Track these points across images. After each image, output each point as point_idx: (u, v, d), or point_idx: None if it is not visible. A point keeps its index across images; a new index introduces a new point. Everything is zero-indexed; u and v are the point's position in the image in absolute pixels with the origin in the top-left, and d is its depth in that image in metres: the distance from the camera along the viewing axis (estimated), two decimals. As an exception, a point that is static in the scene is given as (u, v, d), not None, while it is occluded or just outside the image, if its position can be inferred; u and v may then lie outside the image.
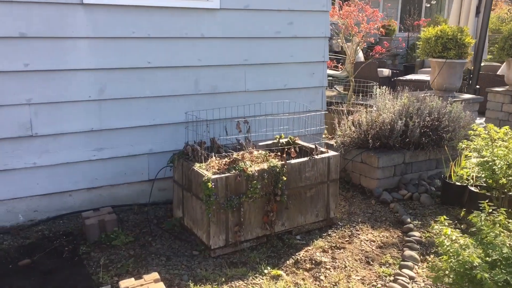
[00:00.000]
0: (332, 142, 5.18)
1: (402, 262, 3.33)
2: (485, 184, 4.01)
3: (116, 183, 4.07)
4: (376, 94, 5.27)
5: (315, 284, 3.08)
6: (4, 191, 3.66)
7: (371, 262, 3.37)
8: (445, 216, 2.75)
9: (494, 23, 14.35)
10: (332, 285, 3.06)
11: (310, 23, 4.77)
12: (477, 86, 7.56)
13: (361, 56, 10.50)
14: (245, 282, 3.05)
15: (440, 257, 3.34)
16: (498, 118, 7.27)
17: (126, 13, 3.82)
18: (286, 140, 4.14)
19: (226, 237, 3.35)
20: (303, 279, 3.12)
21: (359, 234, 3.79)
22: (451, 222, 2.85)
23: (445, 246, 2.32)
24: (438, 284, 2.72)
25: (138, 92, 4.00)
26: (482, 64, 8.09)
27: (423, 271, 3.27)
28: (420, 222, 4.00)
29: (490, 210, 2.59)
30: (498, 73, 8.90)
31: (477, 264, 2.15)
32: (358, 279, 3.15)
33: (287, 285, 3.03)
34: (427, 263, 3.37)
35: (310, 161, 3.66)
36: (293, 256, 3.39)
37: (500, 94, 7.27)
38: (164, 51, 4.06)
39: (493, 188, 3.78)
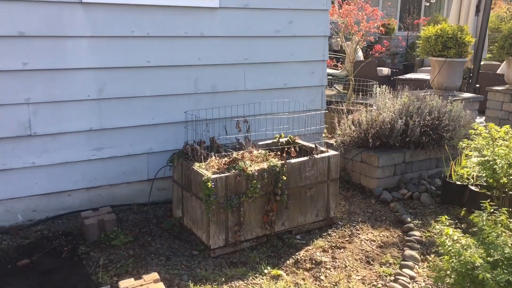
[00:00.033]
0: (332, 141, 5.17)
1: (402, 262, 3.32)
2: (485, 184, 4.00)
3: (115, 182, 4.06)
4: (376, 93, 5.26)
5: (315, 284, 3.06)
6: (3, 191, 3.64)
7: (372, 262, 3.36)
8: (446, 216, 2.74)
9: (493, 22, 14.35)
10: (332, 285, 3.05)
11: (310, 22, 4.75)
12: (477, 85, 7.55)
13: (360, 55, 10.49)
14: (245, 282, 3.04)
15: (441, 257, 3.33)
16: (498, 117, 7.27)
17: (125, 12, 3.80)
18: (286, 139, 4.12)
19: (226, 237, 3.34)
20: (303, 279, 3.10)
21: (359, 234, 3.78)
22: (452, 221, 2.84)
23: (446, 246, 2.31)
24: (439, 284, 2.71)
25: (138, 91, 3.99)
26: (482, 63, 8.08)
27: (423, 271, 3.26)
28: (420, 222, 3.99)
29: (492, 210, 2.58)
30: (497, 72, 8.90)
31: (479, 264, 2.14)
32: (359, 279, 3.13)
33: (287, 285, 3.02)
34: (428, 262, 3.37)
35: (310, 160, 3.65)
36: (293, 256, 3.38)
37: (500, 93, 7.26)
38: (164, 50, 4.04)
39: (494, 188, 3.77)
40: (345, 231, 3.81)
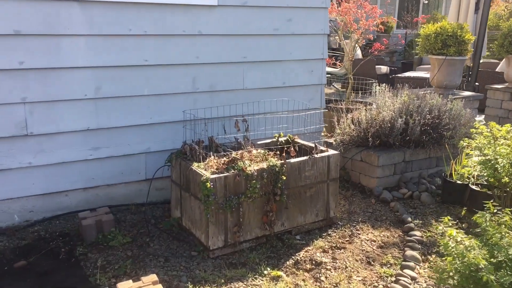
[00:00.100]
0: (331, 140, 5.14)
1: (403, 262, 3.29)
2: (486, 183, 3.98)
3: (113, 182, 4.02)
4: (375, 91, 5.22)
5: (315, 285, 3.03)
6: (-1, 191, 3.60)
7: (372, 262, 3.32)
8: (449, 217, 2.70)
9: (491, 19, 14.32)
10: (333, 286, 3.02)
11: (309, 20, 4.71)
12: (476, 83, 7.52)
13: (359, 53, 10.45)
14: (245, 283, 3.00)
15: (442, 258, 3.30)
16: (497, 116, 7.24)
17: (122, 10, 3.76)
18: (285, 138, 4.09)
19: (225, 238, 3.31)
20: (303, 280, 3.07)
21: (359, 234, 3.74)
22: (454, 222, 2.81)
23: (450, 248, 2.28)
24: (442, 285, 2.67)
25: (135, 90, 3.95)
26: (481, 61, 8.06)
27: (424, 271, 3.23)
28: (421, 221, 3.96)
29: (495, 211, 2.55)
30: (496, 70, 8.87)
31: (482, 266, 2.10)
32: (359, 280, 3.10)
33: (287, 286, 2.98)
34: (429, 263, 3.34)
35: (309, 160, 3.61)
36: (293, 257, 3.35)
37: (500, 91, 7.24)
38: (162, 49, 4.00)
39: (495, 187, 3.73)
40: (345, 231, 3.78)
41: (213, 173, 3.23)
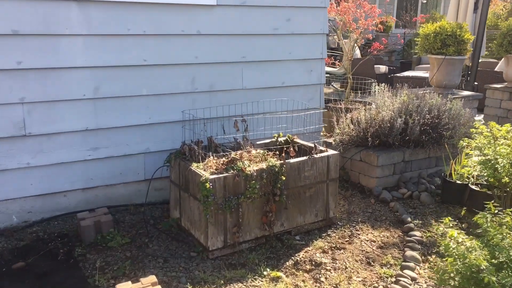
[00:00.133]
0: (330, 140, 5.13)
1: (403, 263, 3.28)
2: (486, 183, 3.97)
3: (112, 183, 4.00)
4: (374, 91, 5.21)
5: (315, 285, 3.02)
6: (-3, 192, 3.59)
7: (372, 263, 3.31)
8: (449, 218, 2.69)
9: (489, 19, 14.31)
10: (333, 287, 3.01)
11: (308, 20, 4.70)
12: (475, 83, 7.52)
13: (358, 53, 10.44)
14: (245, 284, 2.99)
15: (442, 258, 3.29)
16: (496, 115, 7.23)
17: (121, 10, 3.74)
18: (284, 138, 4.07)
19: (225, 238, 3.29)
20: (303, 280, 3.06)
21: (359, 234, 3.73)
22: (455, 223, 2.79)
23: (451, 249, 2.27)
24: (442, 286, 2.66)
25: (134, 90, 3.93)
26: (479, 60, 8.05)
27: (425, 272, 3.22)
28: (420, 222, 3.95)
29: (496, 211, 2.54)
30: (495, 69, 8.87)
31: (484, 267, 2.09)
32: (359, 281, 3.09)
33: (287, 287, 2.97)
34: (429, 263, 3.33)
35: (309, 160, 3.60)
36: (292, 257, 3.33)
37: (499, 91, 7.23)
38: (160, 49, 3.98)
39: (495, 187, 3.72)
40: (344, 231, 3.77)
41: (212, 173, 3.22)
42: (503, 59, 7.60)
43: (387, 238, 3.69)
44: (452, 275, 2.30)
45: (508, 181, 3.43)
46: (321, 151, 3.77)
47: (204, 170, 3.27)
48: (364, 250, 3.49)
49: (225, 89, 4.36)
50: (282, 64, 4.66)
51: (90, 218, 3.51)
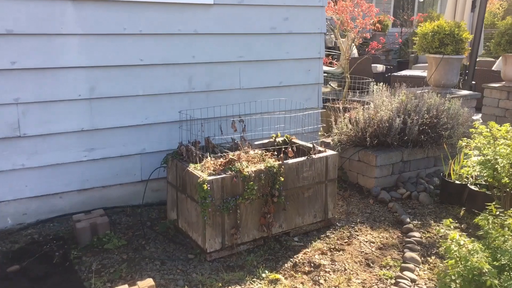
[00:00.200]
0: (328, 140, 5.10)
1: (403, 264, 3.25)
2: (485, 183, 3.94)
3: (108, 184, 3.96)
4: (373, 90, 5.18)
5: (314, 288, 2.99)
6: (-8, 194, 3.54)
7: (371, 265, 3.28)
8: (450, 219, 2.66)
9: (486, 18, 14.30)
10: (332, 289, 2.98)
11: (306, 19, 4.66)
12: (473, 82, 7.51)
13: (355, 52, 10.41)
14: (243, 286, 2.95)
15: (442, 259, 3.28)
16: (494, 114, 7.22)
17: (117, 9, 3.70)
18: (282, 139, 4.04)
19: (222, 240, 3.25)
20: (302, 283, 3.02)
21: (358, 235, 3.70)
22: (456, 225, 2.76)
23: (452, 251, 2.24)
24: (443, 288, 2.63)
25: (130, 90, 3.88)
26: (477, 59, 8.04)
27: (424, 273, 3.19)
28: (419, 222, 3.92)
29: (497, 213, 2.51)
30: (493, 68, 8.86)
31: (486, 270, 2.06)
32: (359, 283, 3.06)
33: (286, 289, 2.94)
34: (429, 264, 3.30)
35: (307, 160, 3.56)
36: (291, 259, 3.30)
37: (497, 90, 7.22)
38: (157, 48, 3.94)
39: (494, 187, 3.70)
40: (343, 232, 3.73)
41: (210, 174, 3.18)
42: (500, 58, 7.59)
43: (386, 239, 3.66)
44: (453, 277, 2.27)
45: (508, 181, 3.40)
46: (320, 152, 3.74)
47: (202, 171, 3.23)
48: (363, 251, 3.46)
49: (222, 89, 4.32)
50: (280, 63, 4.63)
51: (86, 220, 3.46)
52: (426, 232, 3.77)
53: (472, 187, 4.06)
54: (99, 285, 2.90)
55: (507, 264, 2.14)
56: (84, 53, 3.64)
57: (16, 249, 3.35)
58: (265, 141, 4.04)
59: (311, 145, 3.78)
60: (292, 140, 3.99)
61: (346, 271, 3.18)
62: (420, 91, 5.21)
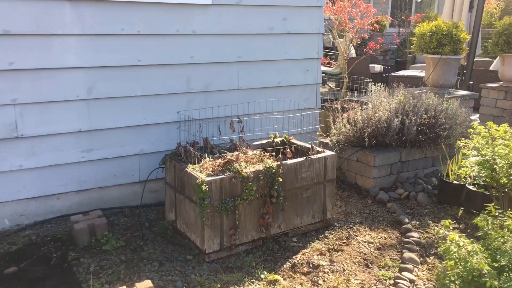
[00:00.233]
0: (327, 140, 5.09)
1: (401, 265, 3.25)
2: (483, 183, 3.94)
3: (106, 185, 3.95)
4: (371, 91, 5.18)
5: (313, 289, 2.98)
6: (-11, 195, 3.52)
7: (370, 265, 3.28)
8: (450, 220, 2.66)
9: (483, 18, 14.31)
10: (331, 290, 2.97)
11: (304, 19, 4.66)
12: (470, 82, 7.51)
13: (353, 52, 10.42)
14: (241, 287, 2.95)
15: (440, 260, 3.28)
16: (492, 114, 7.23)
17: (115, 9, 3.68)
18: (280, 139, 4.04)
19: (221, 241, 3.25)
20: (301, 284, 3.02)
21: (356, 236, 3.70)
22: (455, 225, 2.76)
23: (451, 253, 2.23)
24: (442, 289, 2.63)
25: (128, 91, 3.87)
26: (475, 59, 8.04)
27: (423, 274, 3.18)
28: (418, 222, 3.92)
29: (497, 214, 2.51)
30: (490, 68, 8.87)
31: (486, 271, 2.06)
32: (357, 283, 3.06)
33: (284, 290, 2.93)
34: (427, 265, 3.30)
35: (306, 161, 3.56)
36: (290, 260, 3.29)
37: (494, 90, 7.22)
38: (155, 49, 3.93)
39: (492, 188, 3.70)
40: (342, 233, 3.73)
41: (208, 175, 3.17)
42: (498, 58, 7.60)
43: (385, 239, 3.66)
44: (452, 278, 2.27)
45: (506, 181, 3.41)
46: (318, 152, 3.74)
47: (200, 172, 3.22)
48: (362, 252, 3.45)
49: (220, 89, 4.31)
50: (278, 64, 4.62)
51: (84, 221, 3.45)
52: (424, 232, 3.77)
53: (471, 187, 4.06)
54: (97, 287, 2.89)
55: (506, 265, 2.14)
56: (82, 54, 3.63)
57: (13, 250, 3.33)
58: (264, 141, 4.04)
59: (309, 146, 3.77)
60: (291, 140, 3.98)
61: (345, 272, 3.18)
62: (418, 91, 5.21)
